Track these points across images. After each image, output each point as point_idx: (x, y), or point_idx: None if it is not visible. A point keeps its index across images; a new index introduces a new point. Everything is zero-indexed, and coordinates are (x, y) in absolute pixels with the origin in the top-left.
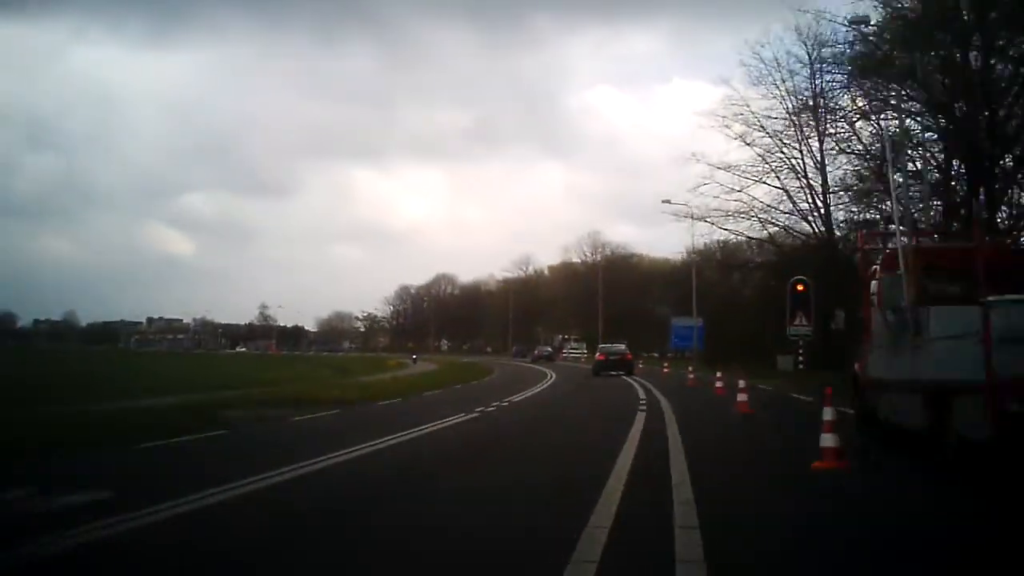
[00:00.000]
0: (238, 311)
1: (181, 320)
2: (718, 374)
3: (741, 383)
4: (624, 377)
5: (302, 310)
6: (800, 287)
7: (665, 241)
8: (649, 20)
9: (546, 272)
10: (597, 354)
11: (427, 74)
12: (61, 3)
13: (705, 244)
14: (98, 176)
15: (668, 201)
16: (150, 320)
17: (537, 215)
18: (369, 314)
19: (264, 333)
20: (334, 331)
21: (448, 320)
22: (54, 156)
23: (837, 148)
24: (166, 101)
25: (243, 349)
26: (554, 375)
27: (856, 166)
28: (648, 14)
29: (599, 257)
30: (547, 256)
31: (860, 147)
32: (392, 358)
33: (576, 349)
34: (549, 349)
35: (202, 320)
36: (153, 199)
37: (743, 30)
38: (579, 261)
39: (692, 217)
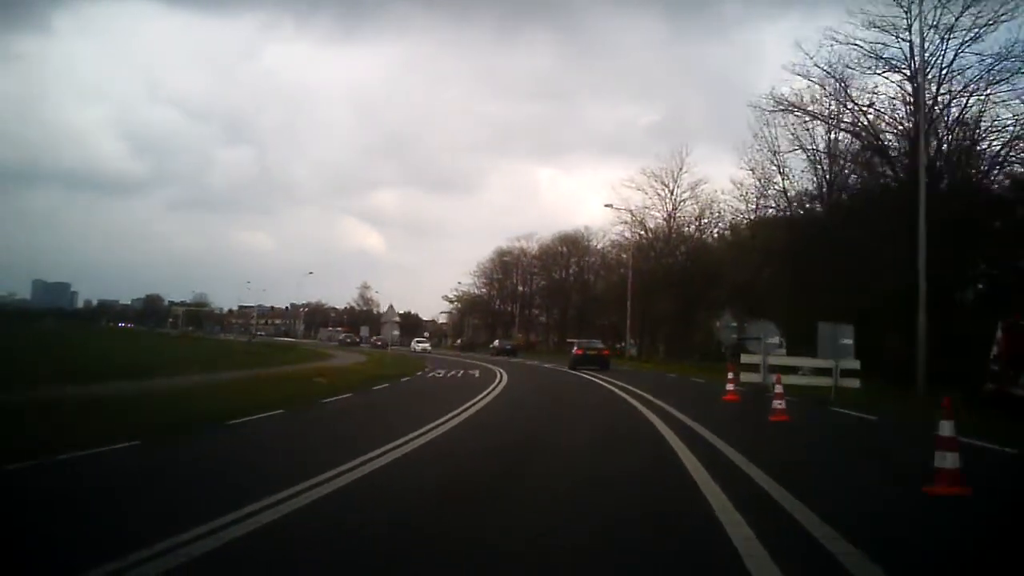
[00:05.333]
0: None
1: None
2: None
3: None
4: None
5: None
6: None
7: None
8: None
9: (727, 234)
10: (575, 348)
11: (609, 68)
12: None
13: None
14: (289, 170)
15: None
16: (293, 306)
17: None
18: (460, 293)
19: (362, 319)
20: (450, 319)
21: (551, 297)
22: (248, 150)
23: None
24: (352, 97)
25: (263, 335)
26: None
27: None
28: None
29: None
30: None
31: None
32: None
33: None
34: (510, 344)
35: (316, 304)
36: (336, 193)
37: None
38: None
39: None
